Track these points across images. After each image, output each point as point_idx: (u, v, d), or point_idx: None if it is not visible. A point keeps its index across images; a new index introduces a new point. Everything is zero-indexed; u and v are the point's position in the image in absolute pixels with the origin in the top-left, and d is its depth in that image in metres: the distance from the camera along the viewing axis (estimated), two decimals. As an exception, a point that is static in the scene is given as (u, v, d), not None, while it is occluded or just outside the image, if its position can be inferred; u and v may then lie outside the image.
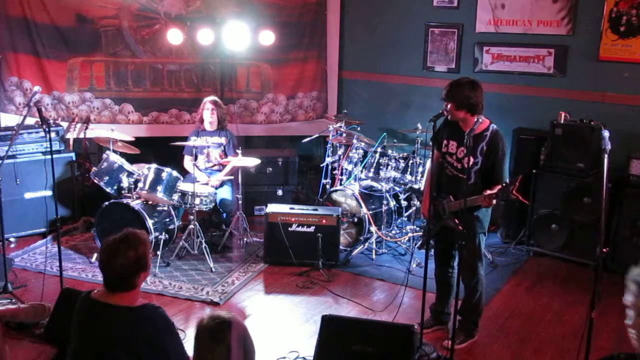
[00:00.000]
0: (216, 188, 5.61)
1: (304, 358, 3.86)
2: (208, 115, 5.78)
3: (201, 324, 2.40)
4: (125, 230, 2.68)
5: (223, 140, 5.79)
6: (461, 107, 3.74)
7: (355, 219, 5.54)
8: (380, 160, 5.71)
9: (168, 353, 2.65)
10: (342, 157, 6.02)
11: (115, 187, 5.32)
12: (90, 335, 2.61)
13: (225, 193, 5.68)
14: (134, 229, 2.74)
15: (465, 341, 4.10)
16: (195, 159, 5.74)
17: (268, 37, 6.42)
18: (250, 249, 5.62)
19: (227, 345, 2.32)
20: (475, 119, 3.69)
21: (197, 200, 5.26)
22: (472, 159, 3.76)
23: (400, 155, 5.72)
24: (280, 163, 6.46)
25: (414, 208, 5.75)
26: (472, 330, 4.18)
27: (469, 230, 3.85)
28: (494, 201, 3.67)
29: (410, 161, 5.68)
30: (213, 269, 5.12)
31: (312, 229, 5.21)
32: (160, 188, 5.14)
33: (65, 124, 6.28)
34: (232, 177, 5.79)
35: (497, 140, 3.78)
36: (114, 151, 5.49)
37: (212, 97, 5.91)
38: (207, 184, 5.60)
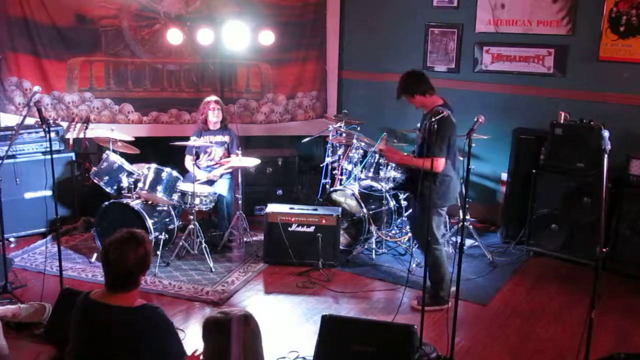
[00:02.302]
0: (212, 183, 5.61)
1: (304, 358, 3.86)
2: (214, 115, 5.78)
3: (209, 320, 2.44)
4: (126, 230, 2.68)
5: (227, 138, 5.82)
6: (414, 95, 4.37)
7: (355, 219, 5.54)
8: (380, 160, 5.69)
9: (167, 353, 2.65)
10: (342, 157, 6.02)
11: (115, 187, 5.32)
12: (90, 336, 2.61)
13: (222, 188, 5.67)
14: (133, 228, 2.74)
15: (429, 305, 4.32)
16: (197, 158, 5.74)
17: (268, 37, 6.42)
18: (250, 249, 5.62)
19: (229, 337, 2.34)
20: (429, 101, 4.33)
21: (197, 200, 5.26)
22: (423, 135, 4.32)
23: (400, 155, 5.71)
24: (280, 163, 6.46)
25: (414, 208, 5.75)
26: (436, 297, 4.48)
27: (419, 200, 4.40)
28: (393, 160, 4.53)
29: (410, 161, 5.67)
30: (213, 269, 5.12)
31: (312, 229, 5.21)
32: (160, 188, 5.14)
33: (65, 124, 6.28)
34: (231, 172, 5.80)
35: (440, 120, 4.13)
36: (114, 151, 5.49)
37: (214, 97, 5.92)
38: (207, 180, 5.61)
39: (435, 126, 4.09)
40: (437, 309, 4.48)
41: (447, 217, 5.38)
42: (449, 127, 4.23)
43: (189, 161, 5.80)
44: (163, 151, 5.98)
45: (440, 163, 4.25)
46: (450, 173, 4.37)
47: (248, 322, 2.48)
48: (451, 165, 4.36)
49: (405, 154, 4.47)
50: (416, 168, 4.32)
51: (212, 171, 5.76)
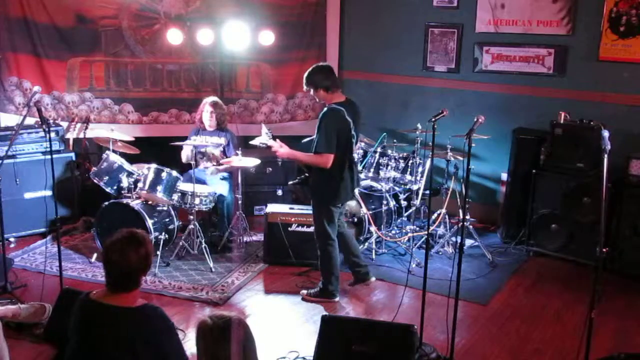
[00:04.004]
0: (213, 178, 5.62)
1: (303, 358, 3.86)
2: (207, 117, 5.76)
3: (203, 323, 2.42)
4: (127, 230, 2.67)
5: (223, 140, 5.79)
6: (317, 88, 4.37)
7: (355, 219, 5.53)
8: (380, 160, 5.71)
9: (167, 353, 2.64)
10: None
11: (115, 187, 5.33)
12: (90, 337, 2.60)
13: (223, 188, 5.67)
14: (133, 228, 2.73)
15: (312, 295, 4.67)
16: (195, 157, 5.72)
17: (268, 37, 6.42)
18: (250, 249, 5.62)
19: (228, 343, 2.33)
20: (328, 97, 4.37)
21: (197, 200, 5.26)
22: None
23: (400, 155, 5.72)
24: (280, 163, 6.46)
25: (413, 208, 5.75)
26: (323, 291, 4.64)
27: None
28: (279, 154, 4.56)
29: (410, 161, 5.68)
30: (213, 269, 5.12)
31: (312, 229, 5.19)
32: (160, 188, 5.14)
33: (65, 124, 6.28)
34: (230, 172, 5.79)
35: (323, 115, 4.32)
36: (114, 151, 5.49)
37: (212, 99, 5.87)
38: (202, 181, 5.60)
39: (319, 120, 4.29)
40: (325, 300, 4.64)
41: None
42: (333, 121, 4.30)
43: (184, 154, 5.75)
44: (163, 151, 5.97)
45: (328, 159, 4.29)
46: (342, 170, 4.41)
47: (244, 327, 2.48)
48: (342, 162, 4.39)
49: (293, 150, 4.58)
50: (308, 164, 4.47)
51: (207, 169, 5.74)
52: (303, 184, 4.60)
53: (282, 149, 4.51)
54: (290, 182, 4.83)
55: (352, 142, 4.47)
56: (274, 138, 4.56)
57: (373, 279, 4.85)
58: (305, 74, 4.45)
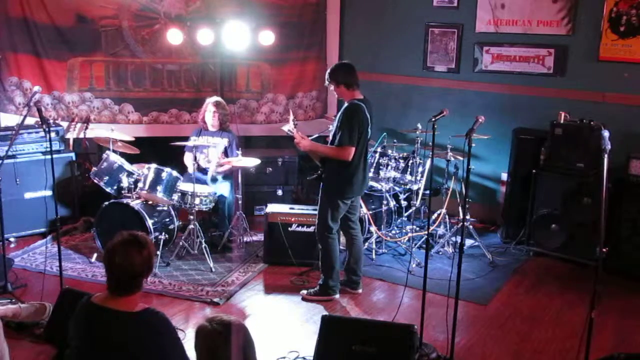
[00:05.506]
0: (214, 181, 5.61)
1: (304, 358, 3.86)
2: (210, 117, 5.77)
3: (202, 328, 2.41)
4: (128, 233, 2.66)
5: (225, 141, 5.79)
6: (339, 84, 4.45)
7: (355, 219, 5.53)
8: (380, 160, 5.71)
9: (169, 358, 2.63)
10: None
11: (115, 187, 5.33)
12: (92, 341, 2.58)
13: (224, 188, 5.67)
14: (133, 229, 2.72)
15: (312, 294, 4.68)
16: (195, 158, 5.72)
17: (268, 37, 6.42)
18: (250, 249, 5.62)
19: (228, 348, 2.33)
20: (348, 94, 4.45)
21: (197, 200, 5.26)
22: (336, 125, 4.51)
23: (400, 155, 5.72)
24: (280, 163, 6.47)
25: (413, 208, 5.76)
26: (323, 288, 4.66)
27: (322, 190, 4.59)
28: (301, 145, 4.53)
29: (410, 161, 5.68)
30: (213, 269, 5.12)
31: (312, 229, 5.19)
32: (160, 188, 5.14)
33: (65, 124, 6.28)
34: (230, 173, 5.79)
35: (347, 109, 4.40)
36: (114, 151, 5.49)
37: (215, 99, 5.86)
38: (201, 180, 5.60)
39: (342, 114, 4.34)
40: (325, 299, 4.65)
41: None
42: (355, 115, 4.36)
43: (187, 158, 5.77)
44: (163, 151, 5.98)
45: (350, 151, 4.34)
46: (358, 165, 4.46)
47: (244, 331, 2.47)
48: (359, 156, 4.44)
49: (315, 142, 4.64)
50: (325, 157, 4.48)
51: (209, 170, 5.74)
52: (320, 179, 4.60)
53: (303, 141, 4.55)
54: (309, 177, 4.85)
55: (367, 139, 4.52)
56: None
57: (360, 290, 4.83)
58: (329, 70, 4.53)
